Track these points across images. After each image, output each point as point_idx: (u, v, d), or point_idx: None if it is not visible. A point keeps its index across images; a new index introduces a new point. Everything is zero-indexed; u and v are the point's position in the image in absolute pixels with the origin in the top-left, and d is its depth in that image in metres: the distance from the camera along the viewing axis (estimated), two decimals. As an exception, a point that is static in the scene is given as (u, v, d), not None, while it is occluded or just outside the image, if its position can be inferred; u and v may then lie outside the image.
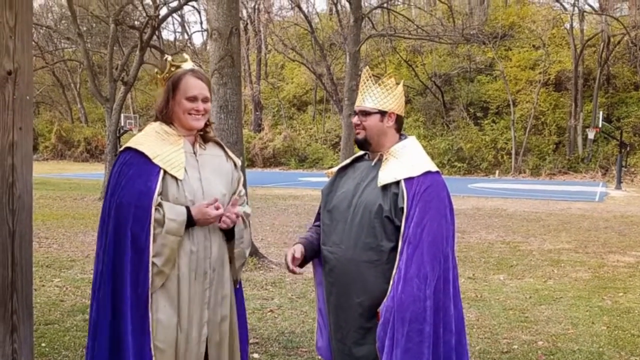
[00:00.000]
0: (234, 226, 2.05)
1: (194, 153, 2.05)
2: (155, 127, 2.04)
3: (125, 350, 1.86)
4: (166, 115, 2.03)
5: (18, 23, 1.27)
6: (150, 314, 1.89)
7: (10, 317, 1.41)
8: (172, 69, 2.04)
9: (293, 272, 2.07)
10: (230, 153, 2.18)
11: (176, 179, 1.95)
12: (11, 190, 1.32)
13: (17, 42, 1.28)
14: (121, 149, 2.00)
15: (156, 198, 1.90)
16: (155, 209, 1.89)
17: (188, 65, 2.06)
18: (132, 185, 1.90)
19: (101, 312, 1.90)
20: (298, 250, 2.08)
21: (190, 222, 1.92)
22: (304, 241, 2.13)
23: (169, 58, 2.10)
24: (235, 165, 2.16)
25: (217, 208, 1.94)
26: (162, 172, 1.93)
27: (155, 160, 1.93)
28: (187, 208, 1.94)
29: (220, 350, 2.07)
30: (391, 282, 1.88)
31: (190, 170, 1.99)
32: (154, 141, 1.98)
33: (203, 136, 2.10)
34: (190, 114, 2.00)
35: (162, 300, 1.93)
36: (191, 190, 1.98)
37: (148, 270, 1.87)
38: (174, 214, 1.91)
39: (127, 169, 1.93)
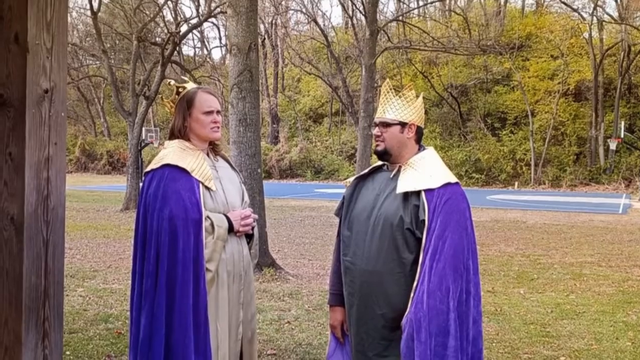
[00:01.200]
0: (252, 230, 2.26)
1: (213, 166, 2.18)
2: (176, 144, 2.14)
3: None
4: (184, 133, 2.15)
5: (55, 44, 1.35)
6: (209, 323, 1.99)
7: (42, 323, 1.46)
8: (180, 90, 2.18)
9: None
10: (233, 165, 2.34)
11: (209, 190, 2.08)
12: (46, 202, 1.39)
13: (53, 62, 1.35)
14: (154, 166, 2.07)
15: (205, 211, 2.03)
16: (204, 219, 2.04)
17: (190, 85, 2.21)
18: (181, 199, 1.99)
19: (156, 326, 1.93)
20: (344, 320, 2.13)
21: (230, 228, 2.09)
22: (341, 299, 2.14)
23: (172, 82, 2.26)
24: (238, 175, 2.35)
25: (248, 216, 2.16)
26: (200, 185, 2.05)
27: (193, 174, 2.04)
28: (225, 215, 2.10)
29: (251, 346, 2.19)
30: (412, 295, 1.88)
31: (215, 182, 2.13)
32: (183, 157, 2.08)
33: (213, 149, 2.24)
34: (212, 127, 2.14)
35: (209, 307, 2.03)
36: (221, 201, 2.12)
37: (205, 280, 1.98)
38: (219, 221, 2.06)
39: (171, 184, 2.01)
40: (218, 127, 2.15)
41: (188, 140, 2.14)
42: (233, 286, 2.09)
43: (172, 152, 2.09)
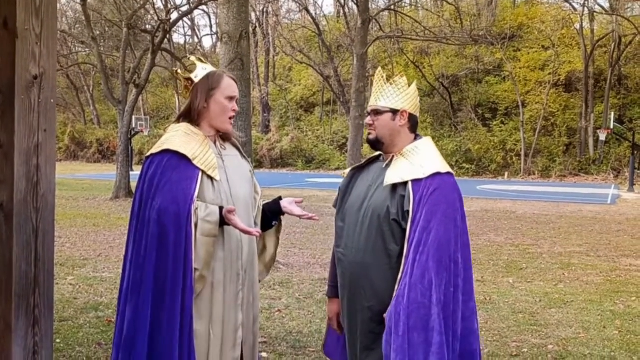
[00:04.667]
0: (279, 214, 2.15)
1: (219, 154, 2.03)
2: (183, 128, 1.99)
3: None
4: (200, 115, 2.00)
5: (44, 30, 1.33)
6: (193, 324, 1.87)
7: (32, 311, 1.46)
8: (203, 69, 2.04)
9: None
10: (243, 153, 2.20)
11: (212, 180, 1.94)
12: (36, 189, 1.38)
13: (42, 48, 1.34)
14: (155, 150, 1.95)
15: (195, 203, 1.87)
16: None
17: (211, 67, 2.09)
18: (174, 190, 1.86)
19: (140, 323, 1.83)
20: (338, 313, 2.13)
21: (224, 222, 1.90)
22: (337, 291, 2.12)
23: (193, 58, 2.11)
24: (249, 163, 2.21)
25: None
26: (201, 174, 1.91)
27: (195, 162, 1.91)
28: (221, 208, 1.91)
29: (254, 352, 2.06)
30: (396, 287, 1.83)
31: (219, 171, 1.98)
32: (187, 142, 1.94)
33: (223, 136, 2.09)
34: (230, 116, 2.01)
35: (197, 308, 1.89)
36: (224, 192, 1.98)
37: (193, 278, 1.85)
38: (208, 215, 1.88)
39: (168, 172, 1.88)
40: (234, 117, 2.03)
41: (198, 125, 1.99)
42: (229, 287, 1.93)
43: (176, 137, 1.95)
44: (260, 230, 2.02)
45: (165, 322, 1.82)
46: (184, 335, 1.84)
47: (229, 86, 2.01)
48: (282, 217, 2.17)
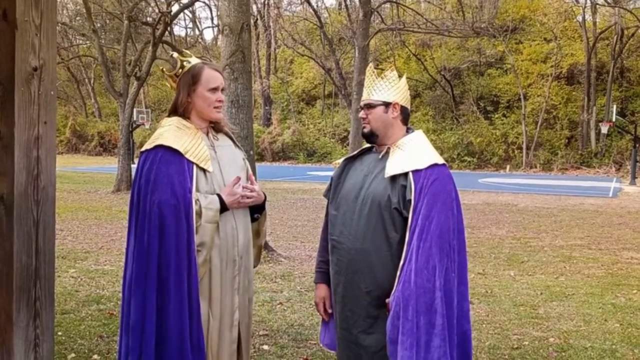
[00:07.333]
0: (262, 203, 2.17)
1: (212, 145, 2.10)
2: (174, 122, 2.05)
3: (184, 348, 1.90)
4: (186, 109, 2.07)
5: (43, 21, 1.32)
6: (201, 309, 1.96)
7: (33, 303, 1.46)
8: (185, 63, 2.09)
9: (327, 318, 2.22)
10: (237, 142, 2.25)
11: (205, 172, 2.02)
12: (36, 182, 1.37)
13: (42, 40, 1.33)
14: (149, 146, 2.01)
15: (195, 194, 1.96)
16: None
17: (195, 60, 2.13)
18: (171, 183, 1.93)
19: (148, 310, 1.91)
20: (327, 297, 2.19)
21: (223, 208, 2.02)
22: (326, 277, 2.19)
23: (176, 55, 2.16)
24: (242, 152, 2.26)
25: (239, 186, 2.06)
26: (194, 167, 1.99)
27: (187, 156, 1.98)
28: (218, 195, 2.03)
29: (248, 331, 2.18)
30: (399, 273, 1.91)
31: (212, 163, 2.05)
32: (179, 136, 2.01)
33: (215, 127, 2.15)
34: (215, 107, 2.07)
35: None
36: (217, 182, 2.06)
37: (197, 266, 1.94)
38: (209, 203, 1.99)
39: (163, 167, 1.95)
40: (221, 107, 2.09)
41: (188, 118, 2.07)
42: (226, 272, 2.04)
43: (168, 131, 2.02)
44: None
45: (173, 307, 1.90)
46: (193, 318, 1.94)
47: (210, 78, 2.06)
48: (265, 205, 2.23)
